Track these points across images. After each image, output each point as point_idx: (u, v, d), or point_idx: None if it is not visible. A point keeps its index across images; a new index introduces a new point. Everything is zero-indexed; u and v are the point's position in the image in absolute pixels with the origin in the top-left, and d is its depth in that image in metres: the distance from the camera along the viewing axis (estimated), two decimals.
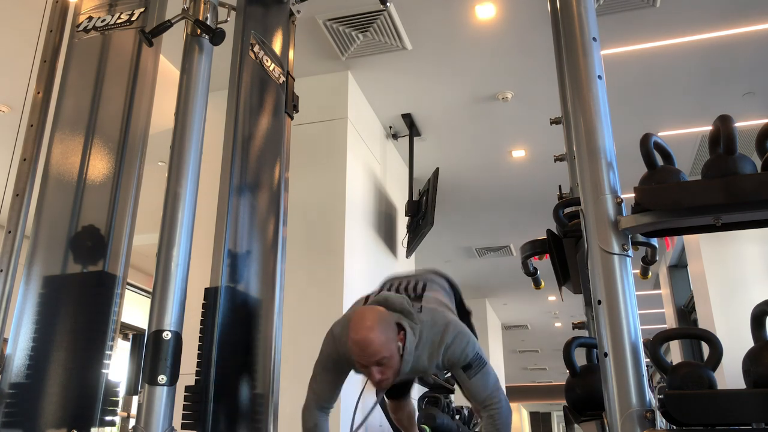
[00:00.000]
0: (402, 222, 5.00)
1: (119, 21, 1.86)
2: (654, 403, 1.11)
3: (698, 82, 4.38)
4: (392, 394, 2.59)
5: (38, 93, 2.00)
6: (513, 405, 18.84)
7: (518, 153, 5.41)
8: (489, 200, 6.28)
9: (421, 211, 4.65)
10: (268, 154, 2.03)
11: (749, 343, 1.15)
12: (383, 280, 2.37)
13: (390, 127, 4.93)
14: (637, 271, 2.14)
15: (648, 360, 1.56)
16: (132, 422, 1.33)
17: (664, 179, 1.25)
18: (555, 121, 2.87)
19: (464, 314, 2.40)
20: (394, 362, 1.96)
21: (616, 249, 1.18)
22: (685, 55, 4.09)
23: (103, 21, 1.87)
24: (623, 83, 4.38)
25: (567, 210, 2.25)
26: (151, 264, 1.40)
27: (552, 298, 9.60)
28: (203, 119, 1.60)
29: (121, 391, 1.46)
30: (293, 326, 2.74)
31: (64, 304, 1.57)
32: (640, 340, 1.14)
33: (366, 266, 4.15)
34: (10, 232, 1.84)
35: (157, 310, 1.37)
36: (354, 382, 3.40)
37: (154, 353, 1.33)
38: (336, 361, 2.08)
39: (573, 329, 3.07)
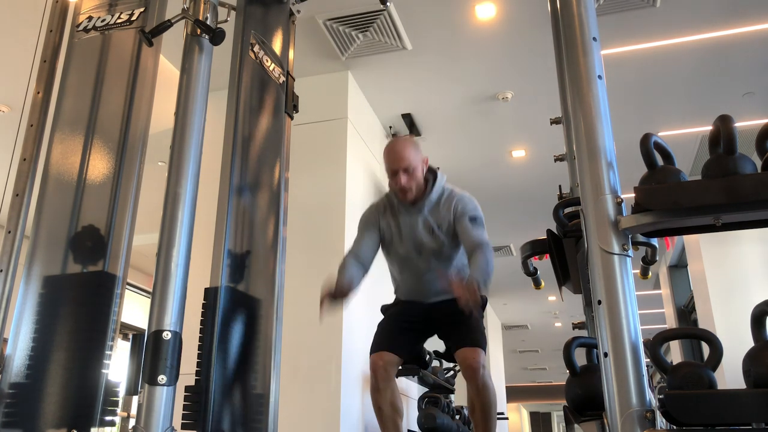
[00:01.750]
0: None
1: (119, 21, 1.86)
2: (654, 403, 1.11)
3: (698, 82, 4.38)
4: (400, 343, 2.48)
5: (38, 93, 2.00)
6: (513, 405, 18.79)
7: (518, 153, 5.41)
8: (489, 200, 6.26)
9: None
10: (268, 154, 2.03)
11: (749, 343, 1.15)
12: None
13: (390, 127, 4.93)
14: (637, 271, 2.14)
15: (648, 360, 1.56)
16: (132, 422, 1.33)
17: (664, 179, 1.25)
18: (555, 121, 2.87)
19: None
20: (419, 176, 2.45)
21: (616, 249, 1.18)
22: (685, 55, 4.09)
23: (103, 21, 1.87)
24: (623, 83, 4.38)
25: (567, 210, 2.25)
26: (151, 264, 1.40)
27: (552, 298, 9.60)
28: (203, 119, 1.60)
29: (121, 391, 1.46)
30: (293, 326, 2.73)
31: (64, 304, 1.57)
32: (640, 340, 1.14)
33: None
34: (10, 232, 1.84)
35: (157, 310, 1.37)
36: (356, 387, 3.39)
37: (154, 353, 1.33)
38: (368, 216, 2.58)
39: (573, 329, 3.07)
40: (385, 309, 2.75)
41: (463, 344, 2.36)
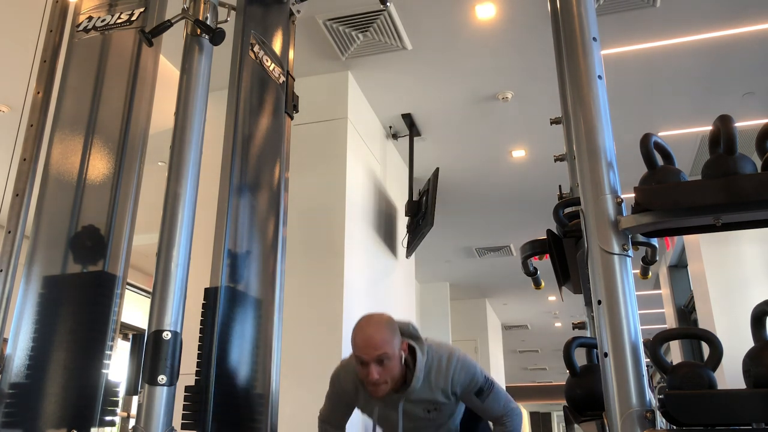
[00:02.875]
0: (402, 222, 5.00)
1: (119, 21, 1.86)
2: (654, 403, 1.11)
3: (698, 81, 4.38)
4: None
5: (38, 93, 2.00)
6: None
7: (518, 153, 5.41)
8: (489, 200, 6.28)
9: (421, 211, 4.65)
10: (268, 154, 2.03)
11: (749, 343, 1.15)
12: None
13: (390, 127, 4.93)
14: (637, 271, 2.14)
15: (648, 360, 1.56)
16: (132, 422, 1.33)
17: (664, 179, 1.25)
18: (555, 121, 2.87)
19: None
20: (395, 366, 2.00)
21: (616, 249, 1.18)
22: (685, 55, 4.09)
23: (103, 21, 1.87)
24: (623, 83, 4.38)
25: (567, 210, 2.25)
26: (151, 264, 1.40)
27: (552, 298, 9.61)
28: (203, 119, 1.60)
29: (121, 391, 1.46)
30: (293, 326, 2.73)
31: (64, 304, 1.57)
32: (640, 340, 1.14)
33: (366, 266, 4.15)
34: (10, 232, 1.84)
35: (157, 310, 1.37)
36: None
37: (154, 353, 1.33)
38: (340, 394, 2.25)
39: (573, 329, 3.07)
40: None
41: None
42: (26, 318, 1.54)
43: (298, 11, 2.36)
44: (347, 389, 2.20)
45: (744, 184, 1.14)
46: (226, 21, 1.77)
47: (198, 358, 1.56)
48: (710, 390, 1.09)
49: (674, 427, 1.11)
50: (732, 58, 4.11)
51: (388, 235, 4.74)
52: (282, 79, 2.15)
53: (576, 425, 1.88)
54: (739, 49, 4.01)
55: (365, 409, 2.23)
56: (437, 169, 4.80)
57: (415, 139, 4.94)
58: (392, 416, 2.13)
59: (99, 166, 1.70)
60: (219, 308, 1.62)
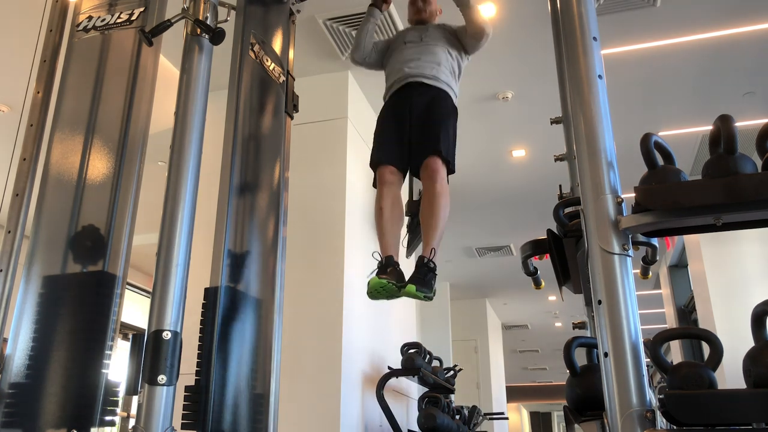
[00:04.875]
0: None
1: (119, 21, 1.86)
2: (654, 403, 1.11)
3: (698, 82, 4.38)
4: (396, 155, 2.72)
5: (38, 93, 1.99)
6: (513, 405, 18.74)
7: (518, 153, 5.41)
8: (489, 200, 6.28)
9: None
10: (268, 153, 2.03)
11: (749, 343, 1.15)
12: None
13: None
14: (638, 271, 2.14)
15: (648, 360, 1.56)
16: (132, 422, 1.33)
17: (664, 179, 1.25)
18: (555, 121, 2.87)
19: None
20: (433, 5, 3.04)
21: (616, 249, 1.18)
22: (685, 55, 4.09)
23: (103, 21, 1.87)
24: (623, 83, 4.38)
25: (567, 210, 2.25)
26: (151, 264, 1.40)
27: (552, 298, 9.60)
28: (203, 119, 1.60)
29: (121, 391, 1.46)
30: (293, 326, 2.73)
31: (64, 304, 1.57)
32: (641, 340, 1.14)
33: (366, 266, 4.15)
34: (10, 232, 1.84)
35: (156, 310, 1.37)
36: (356, 387, 3.39)
37: (153, 353, 1.33)
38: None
39: (573, 329, 3.07)
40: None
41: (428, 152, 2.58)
42: (26, 318, 1.54)
43: (298, 11, 2.36)
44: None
45: (744, 184, 1.14)
46: (226, 21, 1.77)
47: (198, 358, 1.56)
48: (710, 390, 1.09)
49: (674, 427, 1.11)
50: (732, 58, 4.11)
51: None
52: (282, 78, 2.15)
53: (576, 425, 1.88)
54: (739, 49, 4.01)
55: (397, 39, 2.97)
56: None
57: None
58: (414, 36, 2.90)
59: (99, 166, 1.70)
60: (219, 308, 1.62)
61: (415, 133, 2.68)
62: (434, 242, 2.57)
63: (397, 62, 2.83)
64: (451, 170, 2.64)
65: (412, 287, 2.35)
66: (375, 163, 2.80)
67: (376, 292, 2.45)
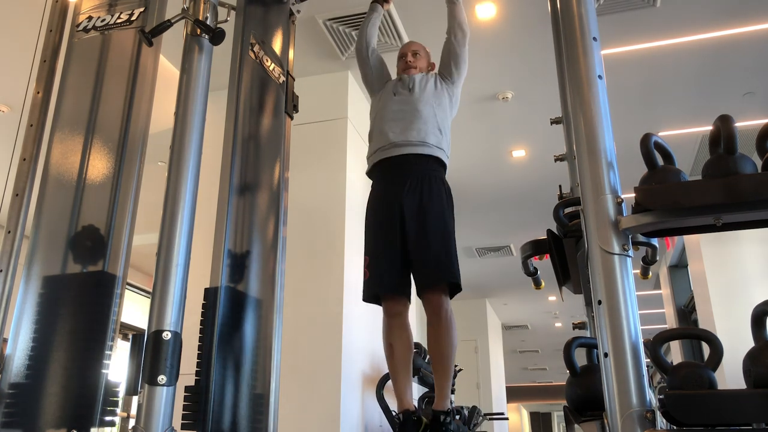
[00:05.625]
0: None
1: (119, 21, 1.86)
2: (654, 403, 1.11)
3: (698, 82, 4.38)
4: (397, 282, 2.56)
5: (38, 93, 1.99)
6: (513, 405, 18.75)
7: (518, 153, 5.41)
8: (489, 200, 6.28)
9: None
10: (268, 154, 2.03)
11: (749, 343, 1.15)
12: None
13: None
14: (638, 271, 2.14)
15: (648, 360, 1.56)
16: (132, 422, 1.33)
17: (664, 179, 1.25)
18: (555, 121, 2.87)
19: None
20: (423, 62, 2.94)
21: (616, 249, 1.18)
22: (685, 55, 4.09)
23: (103, 21, 1.87)
24: (623, 83, 4.38)
25: (567, 210, 2.25)
26: (151, 264, 1.40)
27: (552, 298, 9.60)
28: (203, 119, 1.60)
29: (121, 391, 1.46)
30: (293, 326, 2.73)
31: (64, 304, 1.57)
32: (641, 340, 1.14)
33: None
34: (9, 232, 1.84)
35: (156, 310, 1.37)
36: (356, 387, 3.38)
37: (153, 353, 1.33)
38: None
39: (573, 329, 3.07)
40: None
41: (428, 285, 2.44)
42: (26, 318, 1.54)
43: (298, 11, 2.36)
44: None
45: (744, 184, 1.14)
46: (226, 21, 1.77)
47: (198, 358, 1.56)
48: (710, 390, 1.09)
49: (674, 427, 1.11)
50: (732, 58, 4.11)
51: None
52: (282, 79, 2.15)
53: (576, 425, 1.88)
54: (739, 49, 4.01)
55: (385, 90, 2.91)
56: None
57: None
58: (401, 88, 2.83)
59: (99, 166, 1.70)
60: (219, 308, 1.62)
61: (412, 243, 2.51)
62: (447, 388, 2.41)
63: (381, 120, 2.81)
64: (457, 290, 2.45)
65: None
66: (374, 297, 2.63)
67: None
